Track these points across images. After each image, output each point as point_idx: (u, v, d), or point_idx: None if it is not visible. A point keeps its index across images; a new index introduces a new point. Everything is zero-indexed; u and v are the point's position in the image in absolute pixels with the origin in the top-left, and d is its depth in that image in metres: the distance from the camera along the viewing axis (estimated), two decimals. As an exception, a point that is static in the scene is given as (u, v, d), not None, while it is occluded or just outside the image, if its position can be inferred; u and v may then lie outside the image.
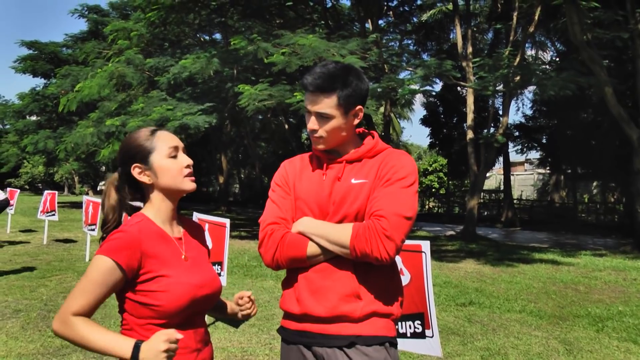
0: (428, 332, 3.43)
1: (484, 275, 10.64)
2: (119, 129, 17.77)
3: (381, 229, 1.92)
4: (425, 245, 3.51)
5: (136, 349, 1.64)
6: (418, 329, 3.48)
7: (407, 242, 3.62)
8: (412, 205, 2.02)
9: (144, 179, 1.90)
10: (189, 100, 16.83)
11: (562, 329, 6.63)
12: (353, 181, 2.09)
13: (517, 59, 16.65)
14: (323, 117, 2.07)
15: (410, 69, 13.91)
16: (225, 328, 5.94)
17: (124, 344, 1.67)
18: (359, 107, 2.13)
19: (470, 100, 18.97)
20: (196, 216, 6.38)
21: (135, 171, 1.90)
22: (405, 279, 3.55)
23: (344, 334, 2.00)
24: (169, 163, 1.89)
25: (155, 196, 1.93)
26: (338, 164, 2.15)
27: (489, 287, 9.25)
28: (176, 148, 1.92)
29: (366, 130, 2.28)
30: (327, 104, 2.05)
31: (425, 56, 24.67)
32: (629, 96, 19.11)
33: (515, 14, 18.21)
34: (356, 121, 2.16)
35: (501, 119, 19.68)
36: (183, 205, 37.16)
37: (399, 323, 3.56)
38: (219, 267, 5.72)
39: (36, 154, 30.00)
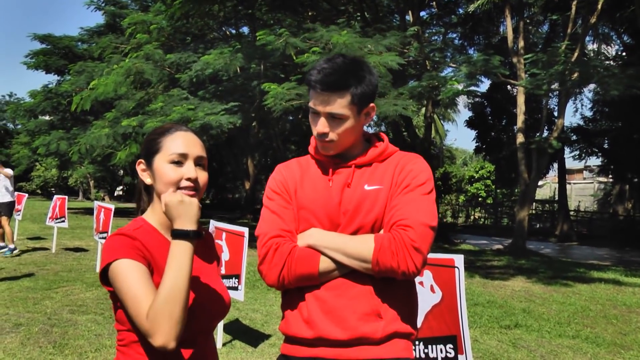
0: (461, 358, 3.37)
1: (533, 294, 10.46)
2: (136, 130, 17.99)
3: (409, 241, 1.87)
4: (459, 260, 3.44)
5: None
6: (450, 353, 3.41)
7: (439, 255, 3.59)
8: (435, 214, 1.98)
9: (146, 178, 1.89)
10: (211, 99, 16.94)
11: (624, 359, 6.44)
12: (366, 187, 2.04)
13: (576, 54, 16.30)
14: (335, 119, 2.00)
15: (454, 65, 13.72)
16: (242, 348, 5.96)
17: None
18: (371, 104, 2.08)
19: (520, 100, 18.73)
20: (213, 224, 6.41)
21: (139, 167, 1.90)
22: (436, 297, 3.51)
23: (364, 358, 1.95)
24: (168, 169, 1.82)
25: (157, 200, 1.89)
26: (346, 169, 2.09)
27: (539, 308, 9.07)
28: (184, 155, 1.84)
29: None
30: (340, 104, 1.97)
31: (471, 51, 24.45)
32: None
33: (574, 2, 17.83)
34: (368, 120, 2.12)
35: (556, 121, 19.38)
36: (205, 214, 37.44)
37: (429, 346, 3.52)
38: (236, 280, 5.73)
39: (48, 156, 30.38)
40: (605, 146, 28.74)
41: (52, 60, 30.41)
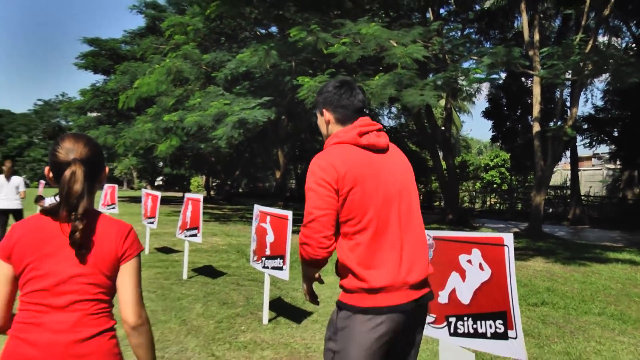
0: (511, 333, 3.15)
1: (554, 274, 10.22)
2: (177, 124, 18.01)
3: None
4: (508, 238, 3.26)
5: None
6: (500, 328, 3.23)
7: (488, 234, 3.42)
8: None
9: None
10: (246, 94, 16.88)
11: (645, 335, 6.20)
12: None
13: (589, 46, 15.95)
14: None
15: (476, 57, 13.44)
16: (287, 324, 5.86)
17: None
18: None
19: (536, 90, 18.37)
20: (257, 208, 6.32)
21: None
22: (484, 274, 3.34)
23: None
24: None
25: None
26: None
27: (562, 287, 8.86)
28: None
29: None
30: None
31: (488, 45, 24.01)
32: None
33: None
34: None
35: (570, 110, 18.96)
36: (241, 201, 37.53)
37: (477, 322, 3.37)
38: (281, 260, 5.62)
39: (98, 150, 30.74)
40: (615, 134, 28.13)
41: (99, 61, 30.76)
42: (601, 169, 41.01)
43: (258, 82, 17.13)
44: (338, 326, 2.34)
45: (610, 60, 13.60)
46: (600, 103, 28.53)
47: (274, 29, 23.73)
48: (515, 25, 25.78)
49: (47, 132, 64.65)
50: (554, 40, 23.00)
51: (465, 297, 3.42)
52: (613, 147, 29.55)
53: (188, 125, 16.11)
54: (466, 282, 3.43)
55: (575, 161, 26.58)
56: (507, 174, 34.76)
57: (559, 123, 19.37)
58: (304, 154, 36.81)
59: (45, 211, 1.86)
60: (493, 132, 29.22)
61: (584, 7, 17.85)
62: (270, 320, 5.93)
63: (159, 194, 10.69)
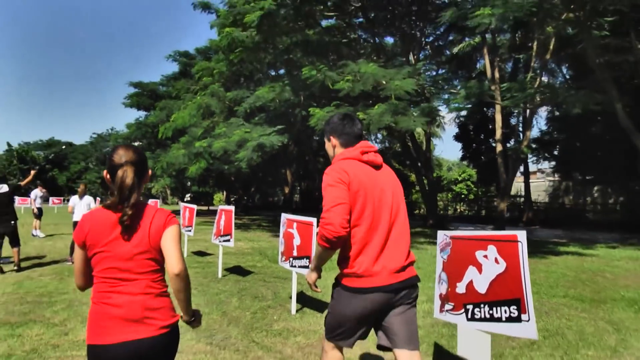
0: (524, 317, 2.98)
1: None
2: (206, 150, 17.82)
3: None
4: (522, 235, 3.05)
5: None
6: (514, 313, 3.01)
7: (502, 232, 3.19)
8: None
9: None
10: (262, 124, 16.70)
11: (604, 311, 6.06)
12: None
13: (537, 82, 16.20)
14: None
15: (454, 90, 13.34)
16: (312, 314, 5.57)
17: None
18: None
19: (498, 117, 18.22)
20: (284, 217, 6.07)
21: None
22: (499, 267, 3.11)
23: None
24: None
25: None
26: None
27: (531, 276, 8.56)
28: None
29: None
30: None
31: (456, 82, 23.92)
32: (635, 111, 18.08)
33: (534, 44, 17.55)
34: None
35: (525, 133, 18.82)
36: (256, 212, 37.14)
37: (493, 308, 3.12)
38: (307, 260, 5.34)
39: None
40: (555, 152, 28.21)
41: (142, 100, 30.60)
42: (544, 181, 41.08)
43: (272, 113, 16.92)
44: (334, 297, 2.53)
45: (557, 93, 13.46)
46: (544, 128, 28.50)
47: (282, 71, 23.68)
48: (478, 67, 25.80)
49: (99, 159, 64.93)
50: (508, 78, 22.99)
51: (481, 287, 3.20)
52: (554, 163, 29.64)
53: (215, 150, 15.87)
54: (482, 274, 3.20)
55: (527, 174, 26.46)
56: (473, 186, 34.71)
57: (512, 144, 19.29)
58: (307, 173, 36.57)
59: (106, 205, 1.96)
60: (462, 152, 29.08)
61: (531, 52, 17.98)
62: (297, 311, 5.64)
63: (195, 206, 10.36)
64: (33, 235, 14.23)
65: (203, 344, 4.38)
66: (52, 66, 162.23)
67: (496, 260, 3.11)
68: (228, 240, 7.77)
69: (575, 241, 15.74)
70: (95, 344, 1.87)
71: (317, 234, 2.42)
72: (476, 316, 3.22)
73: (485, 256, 3.18)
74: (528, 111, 18.76)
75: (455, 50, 23.15)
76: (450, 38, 23.12)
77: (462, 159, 30.24)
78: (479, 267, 3.21)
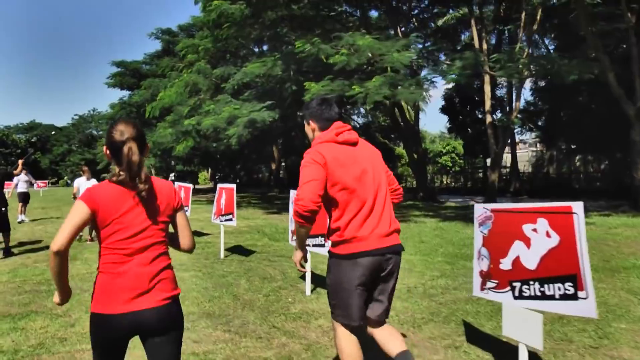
0: (581, 294, 2.73)
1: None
2: (194, 127, 17.32)
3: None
4: (577, 207, 2.77)
5: None
6: (569, 290, 2.76)
7: (555, 204, 2.91)
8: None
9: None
10: (252, 100, 16.23)
11: (620, 280, 5.86)
12: None
13: (525, 53, 15.98)
14: None
15: (449, 62, 12.98)
16: (325, 293, 5.30)
17: None
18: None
19: (487, 89, 18.00)
20: (294, 193, 5.75)
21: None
22: (552, 241, 2.84)
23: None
24: None
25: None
26: None
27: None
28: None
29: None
30: None
31: (441, 56, 23.52)
32: (625, 79, 18.02)
33: (523, 14, 17.26)
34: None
35: (514, 104, 18.63)
36: (241, 189, 36.72)
37: (545, 285, 2.87)
38: (322, 238, 5.05)
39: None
40: (539, 123, 28.16)
41: (125, 79, 29.58)
42: (527, 152, 41.41)
43: (262, 89, 16.38)
44: (330, 269, 2.60)
45: (548, 64, 13.18)
46: (530, 98, 28.32)
47: (266, 47, 22.99)
48: (462, 39, 25.43)
49: (82, 141, 63.35)
50: (493, 50, 22.70)
51: (531, 263, 2.93)
52: (538, 133, 29.66)
53: (205, 128, 15.39)
54: (531, 249, 2.93)
55: (513, 145, 26.43)
56: (457, 158, 34.65)
57: (503, 115, 19.10)
58: (293, 149, 36.08)
59: (115, 181, 1.92)
60: (449, 124, 28.89)
61: (519, 23, 17.70)
62: (312, 291, 5.37)
63: (190, 185, 9.96)
64: (19, 222, 13.71)
65: (221, 332, 4.09)
66: (31, 47, 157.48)
67: (547, 234, 2.84)
68: (230, 220, 7.42)
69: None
70: (101, 312, 1.88)
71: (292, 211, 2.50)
72: (525, 294, 2.96)
73: (535, 230, 2.91)
74: (515, 82, 18.55)
75: (439, 22, 22.72)
76: (435, 10, 22.66)
77: (450, 131, 30.03)
78: (527, 242, 2.94)
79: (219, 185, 7.99)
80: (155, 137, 19.83)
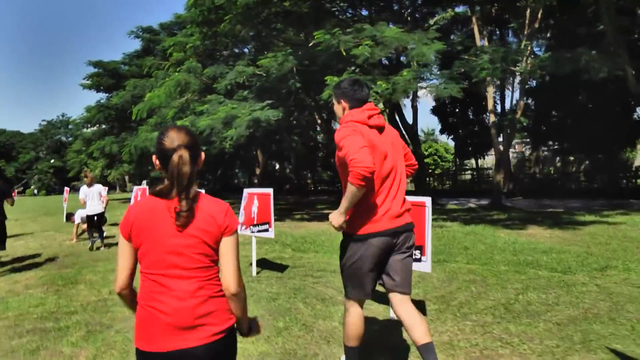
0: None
1: (558, 237, 9.17)
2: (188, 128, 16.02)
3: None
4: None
5: None
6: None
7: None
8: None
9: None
10: (249, 99, 15.13)
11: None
12: None
13: (529, 50, 15.48)
14: None
15: (473, 57, 12.14)
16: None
17: None
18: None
19: (490, 88, 17.37)
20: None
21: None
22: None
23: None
24: None
25: None
26: None
27: (602, 248, 7.58)
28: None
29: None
30: None
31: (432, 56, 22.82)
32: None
33: (528, 11, 16.75)
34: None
35: (518, 103, 18.03)
36: (223, 196, 35.32)
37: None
38: (420, 251, 4.04)
39: (101, 158, 28.46)
40: (526, 124, 27.88)
41: (103, 80, 27.83)
42: (514, 152, 41.54)
43: (262, 87, 15.22)
44: (345, 250, 2.74)
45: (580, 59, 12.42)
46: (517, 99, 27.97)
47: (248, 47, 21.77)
48: (452, 38, 24.88)
49: (50, 147, 60.58)
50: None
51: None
52: (524, 133, 29.56)
53: (201, 128, 14.20)
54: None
55: (508, 145, 26.02)
56: (440, 160, 34.45)
57: (507, 115, 18.49)
58: (281, 152, 34.78)
59: (156, 193, 1.73)
60: (441, 125, 28.28)
61: (523, 20, 17.22)
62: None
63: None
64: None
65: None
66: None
67: None
68: (267, 230, 6.27)
69: (575, 210, 15.06)
70: (144, 350, 1.67)
71: (350, 175, 2.46)
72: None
73: None
74: (518, 81, 18.03)
75: (431, 21, 22.06)
76: (424, 11, 22.00)
77: (442, 131, 29.39)
78: None
79: (248, 191, 6.81)
80: (137, 141, 18.49)
